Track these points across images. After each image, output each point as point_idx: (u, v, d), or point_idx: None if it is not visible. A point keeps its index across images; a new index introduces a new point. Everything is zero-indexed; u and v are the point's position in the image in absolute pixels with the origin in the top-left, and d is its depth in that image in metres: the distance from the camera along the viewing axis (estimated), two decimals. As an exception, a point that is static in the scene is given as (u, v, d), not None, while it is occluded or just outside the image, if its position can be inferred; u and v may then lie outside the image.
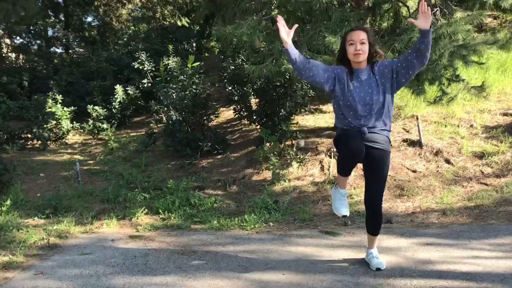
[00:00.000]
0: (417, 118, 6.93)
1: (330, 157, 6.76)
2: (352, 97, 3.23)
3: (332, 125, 8.18)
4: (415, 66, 3.17)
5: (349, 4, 6.14)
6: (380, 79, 3.25)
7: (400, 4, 6.36)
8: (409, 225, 4.77)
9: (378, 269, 3.49)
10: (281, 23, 3.17)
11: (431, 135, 7.06)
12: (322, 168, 6.60)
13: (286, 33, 3.17)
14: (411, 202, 5.47)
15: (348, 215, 3.56)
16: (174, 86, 7.96)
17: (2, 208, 5.40)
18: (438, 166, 6.31)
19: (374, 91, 3.23)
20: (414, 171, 6.24)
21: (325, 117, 9.07)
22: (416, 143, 6.83)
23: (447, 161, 6.37)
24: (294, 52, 3.17)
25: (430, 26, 3.01)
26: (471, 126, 7.23)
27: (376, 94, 3.22)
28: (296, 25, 3.25)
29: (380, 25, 7.00)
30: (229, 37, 5.30)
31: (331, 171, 6.42)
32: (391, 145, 3.37)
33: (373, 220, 3.52)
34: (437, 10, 5.32)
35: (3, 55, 17.96)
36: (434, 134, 7.10)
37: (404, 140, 6.99)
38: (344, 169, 3.49)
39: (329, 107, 9.61)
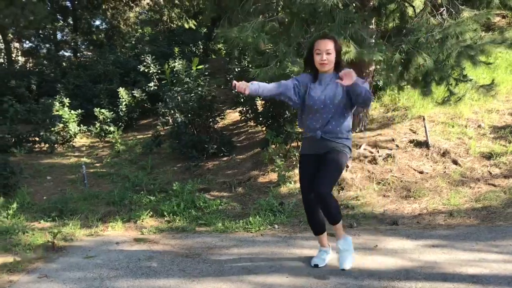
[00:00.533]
0: (424, 119, 6.87)
1: (336, 158, 6.71)
2: (313, 100, 3.38)
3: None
4: (357, 104, 3.40)
5: (354, 4, 6.11)
6: (343, 89, 3.36)
7: (406, 4, 6.31)
8: (415, 227, 4.72)
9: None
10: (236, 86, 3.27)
11: (438, 136, 6.99)
12: (328, 170, 6.56)
13: (244, 86, 3.26)
14: (418, 204, 5.41)
15: (319, 265, 3.63)
16: (180, 89, 7.97)
17: (9, 211, 5.43)
18: (445, 167, 6.25)
19: (336, 96, 3.36)
20: (421, 172, 6.19)
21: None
22: (423, 144, 6.77)
23: (455, 162, 6.31)
24: (256, 89, 3.30)
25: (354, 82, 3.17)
26: (479, 126, 7.16)
27: (337, 99, 3.35)
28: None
29: (386, 26, 6.95)
30: (235, 41, 5.29)
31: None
32: (350, 150, 3.54)
33: (322, 207, 3.48)
34: (444, 9, 5.26)
35: (12, 58, 18.10)
36: (441, 135, 7.03)
37: (411, 141, 6.93)
38: (309, 223, 3.75)
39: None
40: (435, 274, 3.39)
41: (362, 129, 7.68)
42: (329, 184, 3.39)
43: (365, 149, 6.88)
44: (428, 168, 6.28)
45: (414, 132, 7.28)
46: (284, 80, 3.48)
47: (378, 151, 6.76)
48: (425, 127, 6.77)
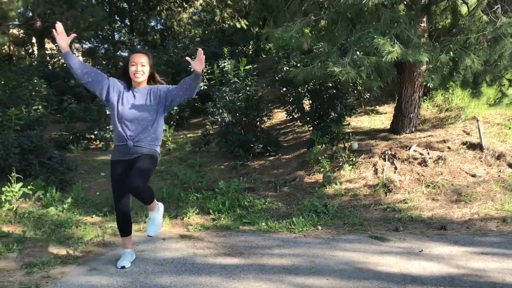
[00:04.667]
0: (478, 120, 6.60)
1: (385, 160, 6.59)
2: (124, 111, 3.58)
3: (388, 126, 7.98)
4: (183, 96, 3.64)
5: (404, 2, 5.95)
6: (153, 100, 3.63)
7: (460, 1, 6.07)
8: (464, 233, 4.57)
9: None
10: (58, 31, 3.38)
11: (493, 138, 6.71)
12: (375, 171, 6.46)
13: (64, 40, 3.40)
14: (469, 208, 5.22)
15: (125, 266, 3.81)
16: (228, 89, 8.07)
17: (64, 205, 5.70)
18: (500, 171, 5.98)
19: (145, 110, 3.60)
20: (473, 176, 5.96)
21: (381, 118, 8.86)
22: (476, 146, 6.51)
23: (510, 166, 6.03)
24: (72, 58, 3.44)
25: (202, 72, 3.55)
26: (539, 128, 6.81)
27: (146, 112, 3.59)
28: (73, 35, 3.51)
29: (437, 24, 6.73)
30: (279, 40, 5.31)
31: (384, 175, 6.26)
32: (159, 156, 3.82)
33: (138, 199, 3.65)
34: (498, 7, 5.02)
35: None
36: (496, 137, 6.74)
37: (464, 143, 6.68)
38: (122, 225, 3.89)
39: (385, 108, 9.38)
40: (483, 282, 3.27)
41: (413, 130, 7.49)
42: (143, 180, 3.56)
43: (415, 150, 6.71)
44: (481, 171, 6.04)
45: (468, 134, 7.02)
46: (101, 72, 3.65)
47: (428, 153, 6.57)
48: (478, 128, 6.51)
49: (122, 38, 20.65)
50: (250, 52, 15.11)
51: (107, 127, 9.93)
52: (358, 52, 4.86)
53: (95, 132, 9.71)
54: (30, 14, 16.59)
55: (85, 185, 6.97)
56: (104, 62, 15.91)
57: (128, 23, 20.43)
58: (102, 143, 9.85)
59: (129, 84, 3.71)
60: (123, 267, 3.79)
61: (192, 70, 3.51)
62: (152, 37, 20.89)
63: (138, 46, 20.67)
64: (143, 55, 3.65)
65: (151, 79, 3.74)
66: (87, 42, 20.12)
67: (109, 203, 5.90)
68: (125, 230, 3.91)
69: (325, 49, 5.06)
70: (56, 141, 9.37)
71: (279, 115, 9.89)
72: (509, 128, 6.92)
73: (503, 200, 5.27)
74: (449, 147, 6.66)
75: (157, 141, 3.73)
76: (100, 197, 6.32)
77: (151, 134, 3.66)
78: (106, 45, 19.36)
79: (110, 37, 19.64)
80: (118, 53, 19.29)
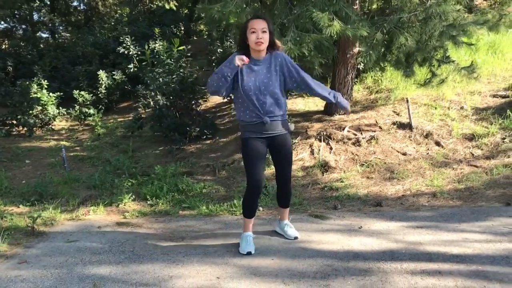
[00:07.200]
0: (407, 101, 6.87)
1: (320, 141, 6.70)
2: (251, 84, 3.36)
3: (322, 108, 8.12)
4: (305, 90, 3.59)
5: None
6: (279, 69, 3.43)
7: (391, -16, 6.24)
8: (399, 208, 4.74)
9: (296, 238, 3.85)
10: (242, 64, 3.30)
11: (421, 118, 7.02)
12: (312, 152, 6.55)
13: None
14: (401, 185, 5.43)
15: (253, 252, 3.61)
16: (161, 70, 7.81)
17: (-14, 196, 5.30)
18: (428, 149, 6.28)
19: (272, 79, 3.39)
20: (404, 154, 6.21)
21: (315, 100, 8.99)
22: (406, 126, 6.78)
23: (437, 144, 6.35)
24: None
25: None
26: (462, 108, 7.21)
27: (274, 82, 3.39)
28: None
29: (370, 6, 6.89)
30: (216, 16, 5.13)
31: (321, 155, 6.37)
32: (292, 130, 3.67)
33: (287, 195, 3.82)
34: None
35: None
36: (424, 117, 7.06)
37: (394, 123, 6.94)
38: (252, 206, 3.66)
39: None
40: (420, 254, 3.40)
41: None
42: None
43: (349, 131, 6.87)
44: (411, 149, 6.31)
45: (397, 114, 7.29)
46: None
47: (361, 133, 6.76)
48: (408, 109, 6.78)
49: (42, 18, 19.45)
50: (181, 34, 14.75)
51: (30, 112, 9.33)
52: (298, 30, 4.83)
53: (18, 117, 9.08)
54: None
55: (9, 173, 6.51)
56: (22, 44, 14.94)
57: (48, 3, 19.23)
58: (25, 128, 9.24)
59: (248, 54, 3.38)
60: (249, 253, 3.57)
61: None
62: (75, 18, 19.83)
63: (60, 27, 19.59)
64: (262, 20, 3.32)
65: (270, 47, 3.42)
66: (2, 22, 18.76)
67: (37, 192, 5.54)
68: (255, 210, 3.70)
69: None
70: (-27, 127, 8.67)
71: (215, 98, 9.75)
72: (435, 108, 7.27)
73: (432, 176, 5.53)
74: (380, 127, 6.89)
75: (285, 111, 3.56)
76: (26, 186, 5.90)
77: (281, 106, 3.47)
78: (24, 26, 18.18)
79: (28, 17, 18.43)
80: (38, 34, 18.18)
